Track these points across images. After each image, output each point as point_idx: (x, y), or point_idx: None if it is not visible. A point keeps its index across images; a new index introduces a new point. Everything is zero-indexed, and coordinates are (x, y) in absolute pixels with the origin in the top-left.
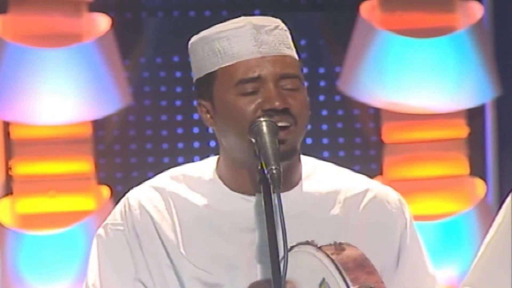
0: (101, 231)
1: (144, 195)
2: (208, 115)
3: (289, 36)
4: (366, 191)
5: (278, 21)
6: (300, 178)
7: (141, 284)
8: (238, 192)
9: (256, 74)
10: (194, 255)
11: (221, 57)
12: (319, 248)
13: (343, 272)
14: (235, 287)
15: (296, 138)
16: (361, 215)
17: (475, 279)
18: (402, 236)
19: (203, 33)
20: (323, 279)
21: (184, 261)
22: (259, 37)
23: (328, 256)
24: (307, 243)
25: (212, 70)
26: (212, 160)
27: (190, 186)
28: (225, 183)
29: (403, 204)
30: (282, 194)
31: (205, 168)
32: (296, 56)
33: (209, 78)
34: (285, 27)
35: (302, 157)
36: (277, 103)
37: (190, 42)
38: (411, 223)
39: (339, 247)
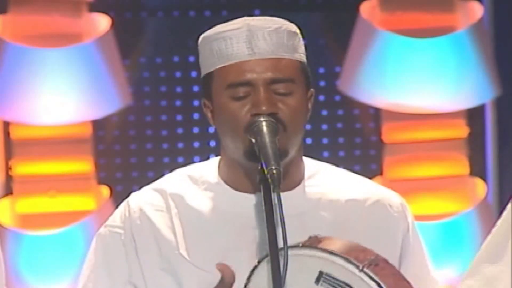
0: (101, 230)
1: (144, 199)
2: (210, 115)
3: (295, 37)
4: (369, 194)
5: (281, 22)
6: (302, 179)
7: (134, 287)
8: (239, 190)
9: (246, 79)
10: (195, 255)
11: (217, 58)
12: (301, 246)
13: (343, 255)
14: (237, 286)
15: (286, 142)
16: (363, 218)
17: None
18: (404, 240)
19: (207, 33)
20: (320, 272)
21: (185, 262)
22: (254, 40)
23: (316, 248)
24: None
25: (210, 70)
26: (215, 161)
27: (193, 187)
28: (226, 183)
29: (405, 208)
30: (283, 194)
31: (208, 168)
32: (299, 58)
33: (208, 78)
34: (291, 28)
35: (304, 158)
36: (263, 108)
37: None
38: (413, 226)
39: (315, 239)
